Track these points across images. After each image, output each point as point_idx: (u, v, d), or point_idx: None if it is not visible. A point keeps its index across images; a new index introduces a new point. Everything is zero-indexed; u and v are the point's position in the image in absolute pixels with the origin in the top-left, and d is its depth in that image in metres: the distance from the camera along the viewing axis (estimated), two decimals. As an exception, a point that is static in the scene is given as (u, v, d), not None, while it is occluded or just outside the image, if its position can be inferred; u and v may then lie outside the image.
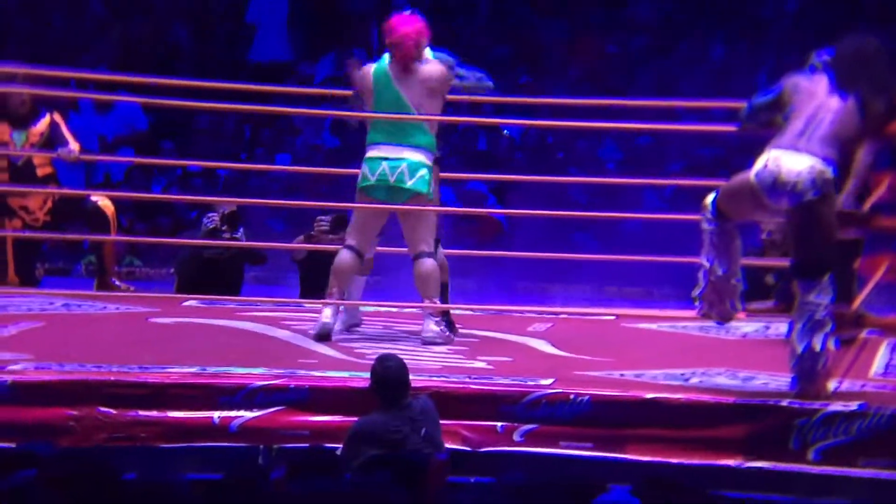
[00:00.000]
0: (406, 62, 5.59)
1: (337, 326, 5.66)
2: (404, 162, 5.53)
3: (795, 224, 4.80)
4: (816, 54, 4.92)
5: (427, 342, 5.51)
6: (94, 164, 9.89)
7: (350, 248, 5.59)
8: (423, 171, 5.55)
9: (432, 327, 5.53)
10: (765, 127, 4.98)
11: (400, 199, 5.57)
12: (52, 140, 6.71)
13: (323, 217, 6.99)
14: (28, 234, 6.62)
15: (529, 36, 11.07)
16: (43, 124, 6.75)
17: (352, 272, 5.59)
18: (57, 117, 6.77)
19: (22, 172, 6.69)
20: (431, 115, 5.59)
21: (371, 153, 5.61)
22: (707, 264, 4.94)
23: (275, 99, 8.36)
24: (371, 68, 5.65)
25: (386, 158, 5.55)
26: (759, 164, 4.81)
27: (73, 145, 6.70)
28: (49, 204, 6.72)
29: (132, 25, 11.15)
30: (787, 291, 5.14)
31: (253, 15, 11.15)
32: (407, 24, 5.61)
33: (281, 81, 9.62)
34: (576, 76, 10.74)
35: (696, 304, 5.00)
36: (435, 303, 5.55)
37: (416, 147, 5.56)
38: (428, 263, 5.56)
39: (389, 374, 4.63)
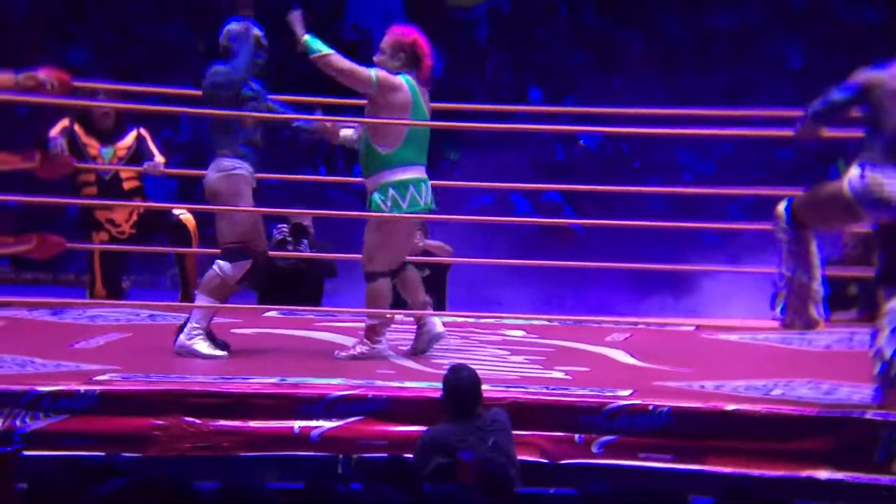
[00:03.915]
0: (426, 82, 5.45)
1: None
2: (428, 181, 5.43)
3: (888, 235, 4.73)
4: None
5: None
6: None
7: (384, 274, 5.44)
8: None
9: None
10: (834, 125, 4.86)
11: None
12: (139, 154, 6.84)
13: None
14: (114, 247, 6.75)
15: (607, 42, 11.04)
16: (130, 138, 6.88)
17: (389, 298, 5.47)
18: (143, 132, 6.90)
19: (109, 186, 6.82)
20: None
21: (412, 174, 5.38)
22: (788, 273, 4.88)
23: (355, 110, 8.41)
24: (403, 80, 5.35)
25: (425, 181, 5.43)
26: (853, 176, 4.73)
27: (160, 159, 6.82)
28: (135, 217, 6.85)
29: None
30: (871, 302, 5.07)
31: (355, 17, 11.16)
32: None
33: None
34: (652, 82, 10.69)
35: (779, 313, 4.95)
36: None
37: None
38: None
39: (461, 384, 4.63)
